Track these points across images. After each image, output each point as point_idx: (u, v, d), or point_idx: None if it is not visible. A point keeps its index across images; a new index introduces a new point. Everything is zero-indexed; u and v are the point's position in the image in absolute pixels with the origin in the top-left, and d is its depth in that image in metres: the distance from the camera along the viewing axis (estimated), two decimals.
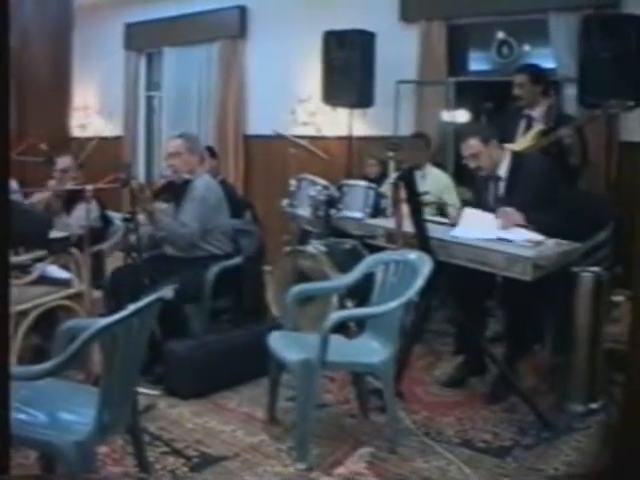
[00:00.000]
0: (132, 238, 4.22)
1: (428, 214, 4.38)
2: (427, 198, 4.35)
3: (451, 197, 5.56)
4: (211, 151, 6.23)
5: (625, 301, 4.47)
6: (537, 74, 5.19)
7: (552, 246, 3.68)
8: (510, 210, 3.88)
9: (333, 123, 7.24)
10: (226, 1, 7.98)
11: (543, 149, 4.75)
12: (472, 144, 4.06)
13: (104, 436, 2.63)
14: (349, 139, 6.92)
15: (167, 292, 2.70)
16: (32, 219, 4.06)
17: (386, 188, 5.20)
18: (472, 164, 4.10)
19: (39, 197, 4.93)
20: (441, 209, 5.44)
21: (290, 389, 3.66)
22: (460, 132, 4.08)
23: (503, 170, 4.12)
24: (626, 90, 4.82)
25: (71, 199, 4.85)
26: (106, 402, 2.51)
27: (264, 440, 3.53)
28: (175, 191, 4.65)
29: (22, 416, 2.47)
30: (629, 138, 5.28)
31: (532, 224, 3.81)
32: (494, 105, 6.77)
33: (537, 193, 3.93)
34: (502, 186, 4.15)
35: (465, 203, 5.25)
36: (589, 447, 3.44)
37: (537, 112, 5.10)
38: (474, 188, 4.53)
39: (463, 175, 6.38)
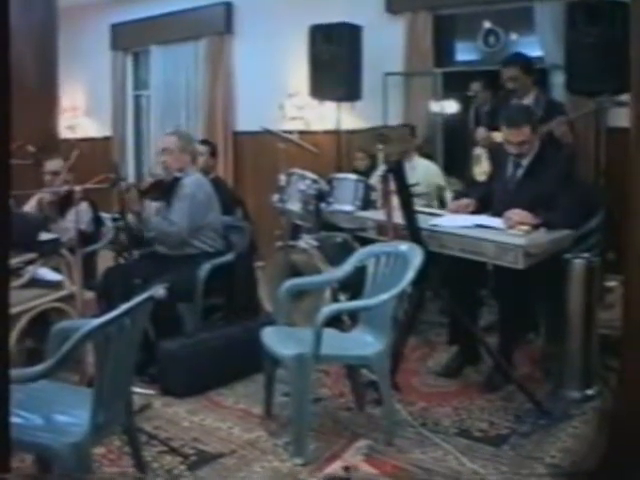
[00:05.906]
0: (122, 237, 4.21)
1: (419, 205, 4.38)
2: (417, 189, 4.34)
3: (443, 185, 5.57)
4: (213, 150, 6.15)
5: (618, 286, 4.48)
6: (528, 64, 5.19)
7: (543, 234, 3.68)
8: (518, 211, 3.84)
9: (321, 117, 7.24)
10: None
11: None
12: (526, 132, 4.03)
13: (99, 437, 2.63)
14: (338, 133, 6.92)
15: (158, 290, 2.70)
16: (21, 221, 4.03)
17: (375, 180, 5.20)
18: (516, 150, 4.07)
19: (30, 203, 4.90)
20: (440, 198, 5.46)
21: (286, 384, 3.65)
22: (514, 118, 4.07)
23: (526, 160, 4.11)
24: (613, 76, 4.82)
25: (66, 203, 4.82)
26: (100, 402, 2.50)
27: (261, 436, 3.52)
28: (164, 189, 4.62)
29: (17, 419, 2.46)
30: (617, 124, 5.27)
31: (543, 223, 3.78)
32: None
33: (554, 192, 3.91)
34: (520, 172, 4.13)
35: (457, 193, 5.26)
36: (586, 433, 3.45)
37: (527, 101, 5.08)
38: (494, 162, 4.53)
39: (452, 166, 6.40)
